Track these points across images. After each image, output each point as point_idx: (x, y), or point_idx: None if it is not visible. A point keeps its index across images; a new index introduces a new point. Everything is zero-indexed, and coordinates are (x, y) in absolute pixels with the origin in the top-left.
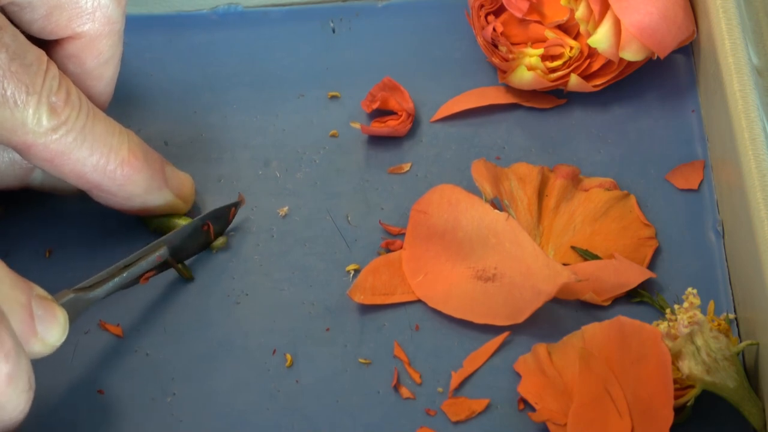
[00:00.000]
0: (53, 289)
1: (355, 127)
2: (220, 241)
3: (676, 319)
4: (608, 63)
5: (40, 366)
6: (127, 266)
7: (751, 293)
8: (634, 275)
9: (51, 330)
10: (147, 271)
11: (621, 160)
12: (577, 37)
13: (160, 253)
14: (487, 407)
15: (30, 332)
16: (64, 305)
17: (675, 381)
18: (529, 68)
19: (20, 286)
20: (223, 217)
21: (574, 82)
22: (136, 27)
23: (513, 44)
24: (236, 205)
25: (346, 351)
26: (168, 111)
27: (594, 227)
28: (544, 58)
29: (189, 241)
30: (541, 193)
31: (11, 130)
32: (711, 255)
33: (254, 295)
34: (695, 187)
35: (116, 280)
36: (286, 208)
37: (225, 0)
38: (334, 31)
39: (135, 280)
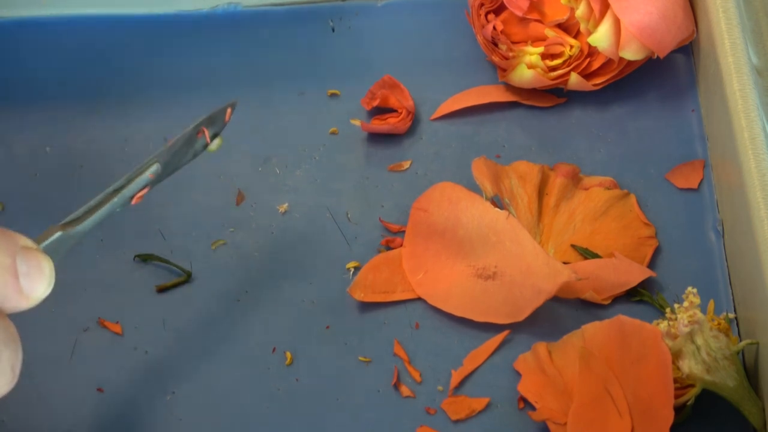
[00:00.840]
0: (53, 290)
1: (355, 125)
2: (216, 143)
3: (676, 319)
4: (608, 62)
5: (39, 363)
6: (117, 190)
7: (751, 293)
8: (634, 274)
9: (36, 284)
10: (139, 190)
11: (621, 159)
12: (577, 35)
13: (152, 170)
14: (487, 406)
15: (14, 291)
16: (51, 245)
17: (675, 380)
18: (529, 67)
19: (3, 243)
20: (220, 118)
21: (574, 80)
22: (136, 27)
23: (513, 43)
24: (232, 106)
25: (346, 349)
26: (168, 109)
27: (594, 226)
28: (544, 56)
29: (183, 149)
30: (541, 192)
31: None
32: (711, 254)
33: (254, 292)
34: (695, 186)
35: (107, 207)
36: (285, 205)
37: (225, 0)
38: (333, 30)
39: (127, 201)
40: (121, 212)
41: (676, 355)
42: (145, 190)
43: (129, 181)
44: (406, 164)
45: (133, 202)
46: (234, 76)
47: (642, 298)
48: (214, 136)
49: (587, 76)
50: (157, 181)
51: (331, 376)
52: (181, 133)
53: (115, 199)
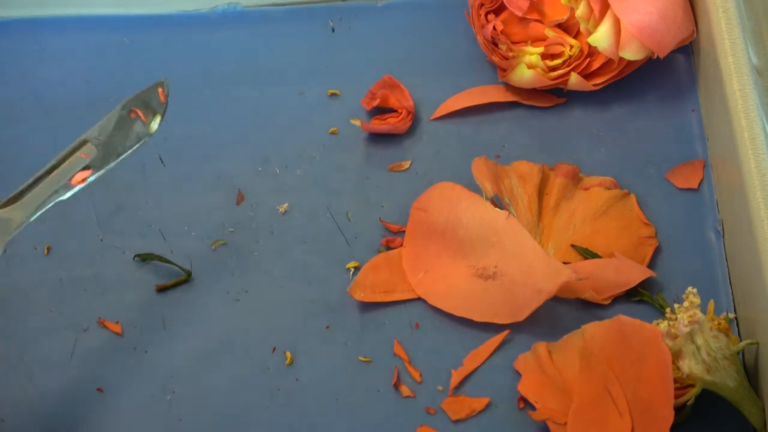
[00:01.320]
0: (53, 290)
1: (355, 125)
2: (156, 122)
3: (676, 319)
4: (608, 62)
5: (39, 363)
6: (49, 171)
7: (751, 293)
8: (635, 274)
9: None
10: (76, 173)
11: (621, 159)
12: (577, 35)
13: (85, 150)
14: (488, 406)
15: None
16: None
17: (675, 380)
18: (529, 67)
19: None
20: (154, 99)
21: (574, 80)
22: (136, 27)
23: (513, 43)
24: (161, 85)
25: (346, 349)
26: (168, 108)
27: (594, 226)
28: (544, 56)
29: (119, 133)
30: (541, 192)
31: None
32: (711, 254)
33: (254, 292)
34: (695, 186)
35: (42, 185)
36: (285, 205)
37: (225, 0)
38: (333, 30)
39: (66, 186)
40: (122, 212)
41: (676, 355)
42: (88, 173)
43: (60, 162)
44: (406, 164)
45: (73, 183)
46: (234, 76)
47: (642, 298)
48: (153, 118)
49: (587, 76)
50: (102, 164)
51: (331, 376)
52: (109, 113)
53: (49, 178)
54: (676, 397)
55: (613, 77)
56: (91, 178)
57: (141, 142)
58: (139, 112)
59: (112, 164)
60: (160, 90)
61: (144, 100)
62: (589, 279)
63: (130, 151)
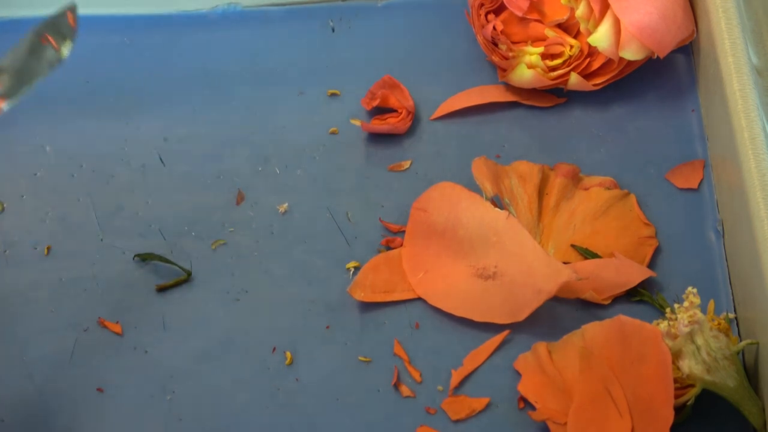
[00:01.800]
0: (53, 290)
1: (355, 125)
2: (67, 47)
3: (676, 319)
4: (608, 62)
5: (39, 363)
6: None
7: (751, 293)
8: (635, 274)
9: None
10: None
11: (621, 159)
12: (577, 35)
13: None
14: (488, 406)
15: None
16: None
17: (675, 380)
18: (529, 67)
19: None
20: (64, 24)
21: (574, 80)
22: (136, 26)
23: (513, 43)
24: (71, 10)
25: (346, 349)
26: (168, 108)
27: (594, 226)
28: (544, 56)
29: (31, 60)
30: (541, 192)
31: None
32: (711, 254)
33: (254, 292)
34: (695, 186)
35: None
36: (285, 205)
37: (225, 0)
38: (333, 30)
39: None
40: (122, 212)
41: (676, 355)
42: (1, 102)
43: None
44: (406, 164)
45: None
46: (234, 76)
47: (642, 298)
48: (64, 43)
49: (587, 76)
50: (14, 92)
51: (331, 376)
52: (20, 40)
53: None
54: (676, 397)
55: (613, 77)
56: (5, 107)
57: (53, 68)
58: (51, 39)
59: (25, 91)
60: (69, 14)
61: (54, 25)
62: (589, 279)
63: (41, 78)
